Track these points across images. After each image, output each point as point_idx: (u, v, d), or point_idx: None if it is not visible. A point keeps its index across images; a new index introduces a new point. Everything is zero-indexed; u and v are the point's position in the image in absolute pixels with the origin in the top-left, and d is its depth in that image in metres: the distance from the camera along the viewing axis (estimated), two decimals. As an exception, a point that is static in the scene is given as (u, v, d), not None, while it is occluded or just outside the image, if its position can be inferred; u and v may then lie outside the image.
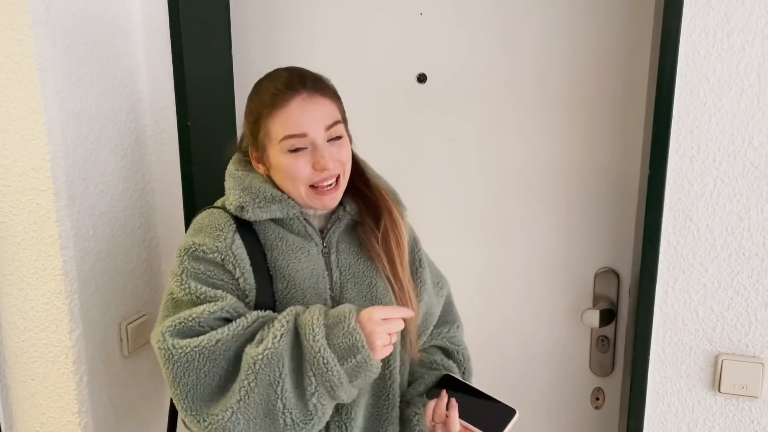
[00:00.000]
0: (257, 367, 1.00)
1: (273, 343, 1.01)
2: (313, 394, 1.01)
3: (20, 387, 1.48)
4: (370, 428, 1.17)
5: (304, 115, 1.07)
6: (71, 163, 1.37)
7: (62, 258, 1.37)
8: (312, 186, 1.09)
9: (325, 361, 1.00)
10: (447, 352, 1.28)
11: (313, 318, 1.03)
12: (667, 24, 1.20)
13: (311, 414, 1.02)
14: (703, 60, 1.21)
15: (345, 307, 1.05)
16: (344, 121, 1.15)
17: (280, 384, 1.00)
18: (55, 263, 1.37)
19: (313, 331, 1.01)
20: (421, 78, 1.57)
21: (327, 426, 1.12)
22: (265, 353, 1.00)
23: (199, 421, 1.03)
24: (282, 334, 1.02)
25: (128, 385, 1.56)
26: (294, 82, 1.09)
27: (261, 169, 1.14)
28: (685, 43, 1.21)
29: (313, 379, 1.01)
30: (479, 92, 1.54)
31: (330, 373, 1.00)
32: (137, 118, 1.55)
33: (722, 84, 1.21)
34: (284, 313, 1.05)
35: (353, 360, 1.01)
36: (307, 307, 1.07)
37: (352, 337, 1.01)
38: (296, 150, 1.08)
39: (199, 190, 1.57)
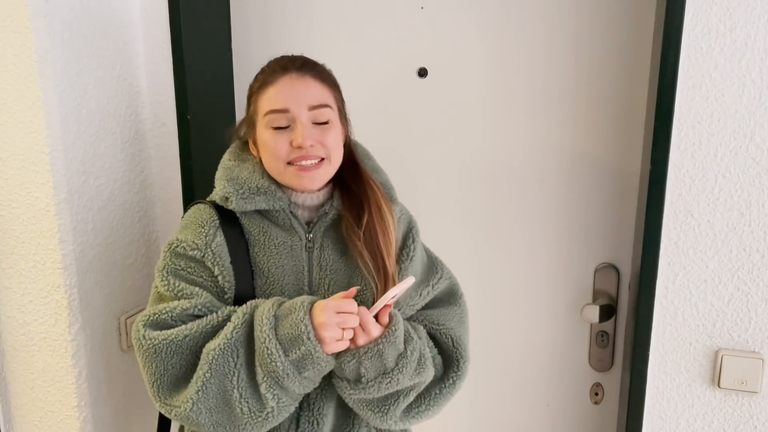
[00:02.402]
0: (211, 358, 1.02)
1: (226, 336, 1.03)
2: (261, 383, 1.03)
3: (19, 381, 1.48)
4: (341, 422, 1.16)
5: (289, 91, 1.09)
6: (70, 157, 1.37)
7: (61, 252, 1.36)
8: (290, 163, 1.09)
9: (269, 352, 1.01)
10: (430, 335, 1.20)
11: (266, 309, 1.04)
12: (670, 19, 1.20)
13: (265, 404, 1.03)
14: (706, 55, 1.21)
15: (300, 299, 1.04)
16: (339, 110, 1.15)
17: (236, 374, 1.03)
18: (54, 257, 1.37)
19: (261, 321, 1.02)
20: (422, 72, 1.56)
21: (297, 420, 1.12)
22: (218, 345, 1.03)
23: (165, 409, 1.07)
24: (236, 327, 1.04)
25: (127, 379, 1.56)
26: (287, 64, 1.11)
27: (254, 150, 1.15)
28: (688, 38, 1.21)
29: (260, 369, 1.02)
30: (480, 86, 1.53)
31: (274, 363, 1.01)
32: (136, 111, 1.55)
33: (724, 79, 1.21)
34: (244, 305, 1.07)
35: (298, 351, 1.00)
36: (267, 299, 1.08)
37: (298, 327, 1.00)
38: (278, 127, 1.09)
39: (199, 183, 1.56)
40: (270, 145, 1.09)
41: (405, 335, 1.08)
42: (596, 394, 1.59)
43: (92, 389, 1.46)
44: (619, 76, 1.44)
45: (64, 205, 1.36)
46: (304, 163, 1.09)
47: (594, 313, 1.48)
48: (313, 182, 1.11)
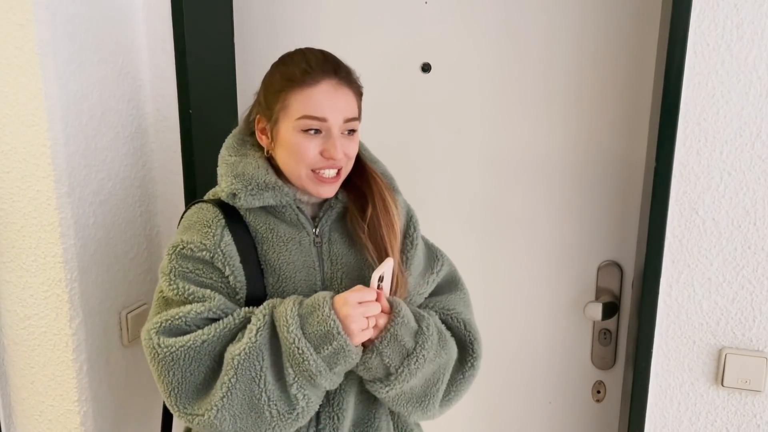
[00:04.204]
0: (236, 363, 1.01)
1: (250, 339, 1.02)
2: (292, 384, 1.02)
3: (19, 375, 1.48)
4: (362, 416, 1.16)
5: (329, 100, 1.06)
6: (72, 150, 1.36)
7: (62, 246, 1.36)
8: (313, 170, 1.08)
9: (301, 351, 1.00)
10: (442, 321, 1.22)
11: (287, 309, 1.03)
12: (676, 14, 1.19)
13: (294, 404, 1.03)
14: (712, 51, 1.20)
15: (320, 295, 1.04)
16: (360, 119, 1.14)
17: (262, 378, 1.02)
18: (55, 251, 1.36)
19: (287, 322, 1.01)
20: (426, 67, 1.55)
21: (318, 416, 1.11)
22: (243, 350, 1.01)
23: (186, 418, 1.04)
24: (258, 329, 1.03)
25: (128, 374, 1.56)
26: (328, 66, 1.08)
27: (264, 141, 1.12)
28: (694, 34, 1.20)
29: (290, 370, 1.02)
30: (484, 82, 1.53)
31: (307, 362, 1.00)
32: (138, 105, 1.54)
33: (731, 76, 1.20)
34: (261, 306, 1.06)
35: (329, 347, 1.01)
36: (284, 299, 1.07)
37: (327, 324, 1.00)
38: (310, 131, 1.06)
39: (201, 178, 1.56)
40: (300, 148, 1.06)
41: (416, 315, 1.09)
42: (598, 392, 1.58)
43: (93, 384, 1.46)
44: (625, 73, 1.43)
45: (65, 199, 1.35)
46: (326, 173, 1.08)
47: (597, 310, 1.47)
48: (331, 192, 1.11)
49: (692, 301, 1.29)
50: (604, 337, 1.54)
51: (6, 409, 1.52)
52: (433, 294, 1.23)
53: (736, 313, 1.28)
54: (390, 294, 1.10)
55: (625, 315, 1.52)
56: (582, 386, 1.59)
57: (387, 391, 1.08)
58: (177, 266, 1.08)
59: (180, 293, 1.06)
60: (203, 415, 1.02)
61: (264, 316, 1.04)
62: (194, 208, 1.15)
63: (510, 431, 1.67)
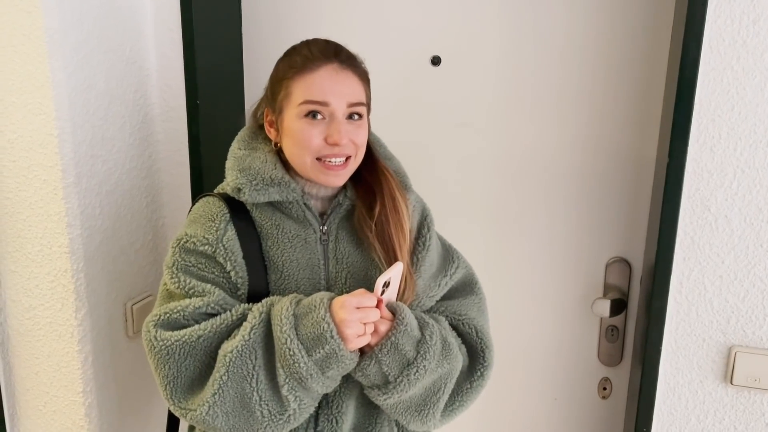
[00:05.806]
0: (228, 360, 0.99)
1: (243, 337, 1.00)
2: (283, 385, 1.00)
3: (24, 366, 1.47)
4: (362, 421, 1.14)
5: (330, 85, 1.04)
6: (79, 140, 1.35)
7: (68, 236, 1.35)
8: (318, 159, 1.06)
9: (292, 353, 0.98)
10: (452, 326, 1.19)
11: (283, 308, 1.01)
12: (692, 9, 1.18)
13: (286, 406, 1.01)
14: (728, 47, 1.18)
15: (318, 296, 1.02)
16: (368, 106, 1.12)
17: (255, 377, 1.00)
18: (61, 241, 1.35)
19: (281, 321, 0.99)
20: (435, 60, 1.54)
21: (316, 419, 1.10)
22: (235, 348, 1.00)
23: (180, 412, 1.04)
24: (253, 327, 1.01)
25: (133, 365, 1.55)
26: (329, 52, 1.07)
27: (272, 134, 1.11)
28: (710, 29, 1.18)
29: (281, 370, 1.00)
30: (494, 75, 1.51)
31: (297, 364, 0.98)
32: (145, 95, 1.53)
33: (746, 72, 1.19)
34: (259, 304, 1.04)
35: (321, 351, 0.98)
36: (283, 297, 1.05)
37: (320, 326, 0.97)
38: (313, 117, 1.05)
39: (207, 170, 1.54)
40: (303, 135, 1.05)
41: (420, 322, 1.07)
42: (604, 388, 1.58)
43: (98, 375, 1.45)
44: (637, 68, 1.42)
45: (71, 188, 1.34)
46: (333, 161, 1.06)
47: (605, 307, 1.46)
48: (340, 180, 1.08)
49: (703, 299, 1.29)
50: (611, 334, 1.54)
51: (10, 400, 1.51)
52: (446, 297, 1.20)
53: (746, 312, 1.27)
54: (396, 299, 1.07)
55: (633, 312, 1.51)
56: (588, 383, 1.59)
57: (385, 399, 1.06)
58: (180, 260, 1.07)
59: (181, 287, 1.06)
60: (196, 410, 1.01)
61: (260, 314, 1.02)
62: (201, 202, 1.14)
63: (516, 427, 1.66)
